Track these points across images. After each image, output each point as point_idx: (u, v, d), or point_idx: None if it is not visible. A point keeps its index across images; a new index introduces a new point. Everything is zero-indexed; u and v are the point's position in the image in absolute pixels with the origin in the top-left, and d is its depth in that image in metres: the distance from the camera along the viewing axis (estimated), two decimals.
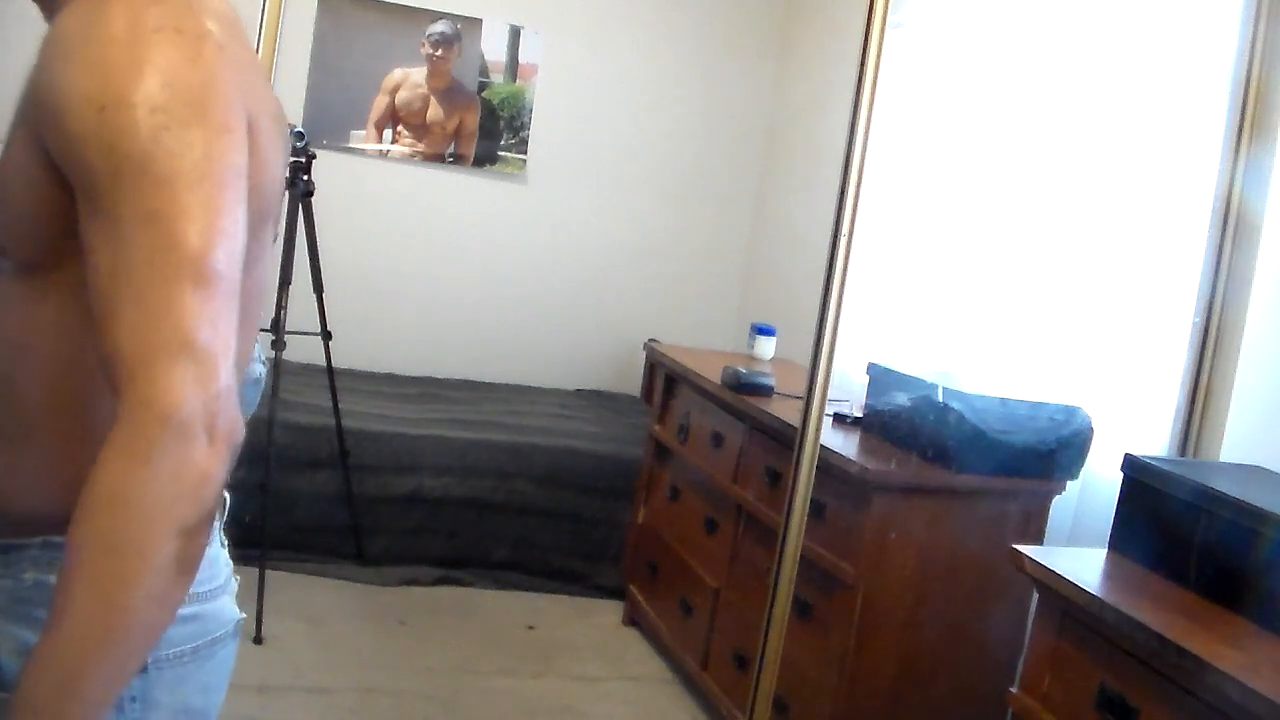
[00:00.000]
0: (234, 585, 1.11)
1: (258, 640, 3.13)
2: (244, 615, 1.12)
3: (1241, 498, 1.83)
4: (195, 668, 1.03)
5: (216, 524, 1.09)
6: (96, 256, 0.86)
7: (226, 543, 1.12)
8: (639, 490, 3.78)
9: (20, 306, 0.95)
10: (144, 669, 0.97)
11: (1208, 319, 2.39)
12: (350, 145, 4.61)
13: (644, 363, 4.76)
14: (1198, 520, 1.87)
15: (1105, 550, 2.06)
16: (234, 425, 0.86)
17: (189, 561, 0.86)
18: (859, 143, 1.79)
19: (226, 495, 1.11)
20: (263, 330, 2.36)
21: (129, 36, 0.87)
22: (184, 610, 0.99)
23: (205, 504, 0.84)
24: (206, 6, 0.94)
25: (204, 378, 0.84)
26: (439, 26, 4.63)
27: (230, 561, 1.11)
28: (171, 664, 1.00)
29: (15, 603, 0.97)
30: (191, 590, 1.00)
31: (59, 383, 0.95)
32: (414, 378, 4.70)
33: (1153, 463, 2.05)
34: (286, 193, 3.40)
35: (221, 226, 0.87)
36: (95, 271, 0.86)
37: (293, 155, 3.46)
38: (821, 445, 1.99)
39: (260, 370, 2.21)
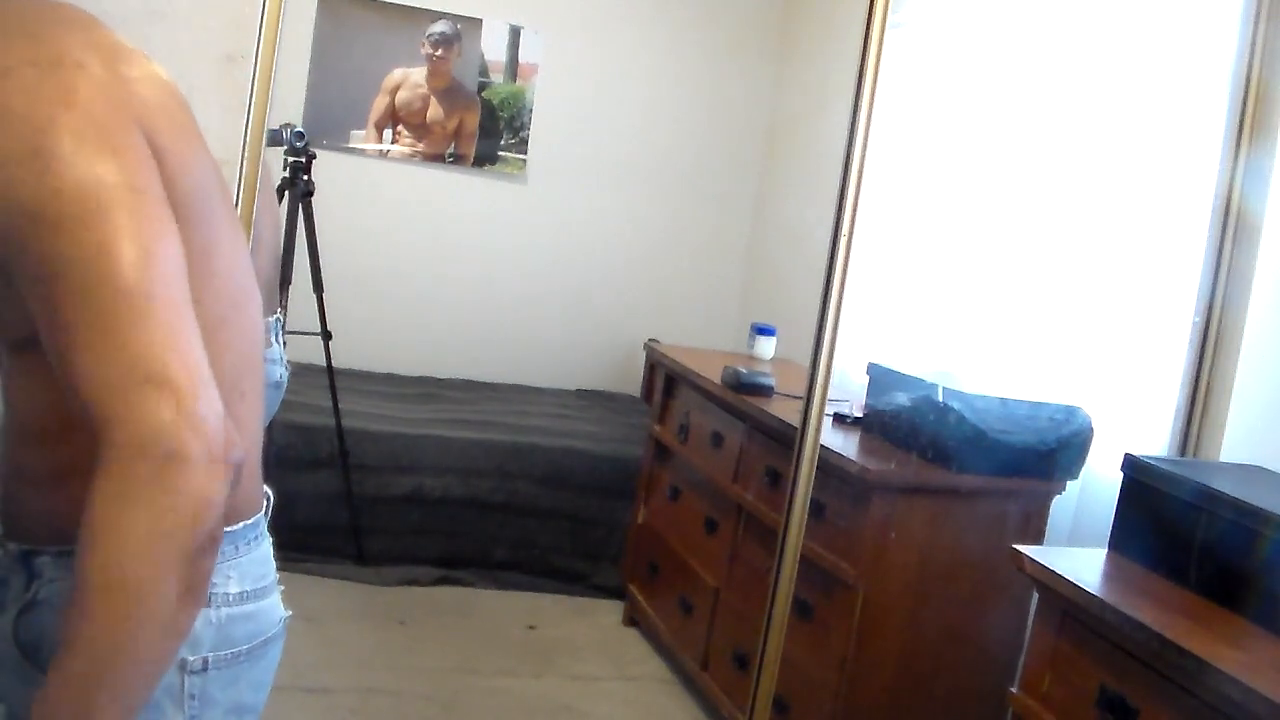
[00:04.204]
0: (278, 582, 1.11)
1: None
2: (290, 613, 1.12)
3: (1241, 498, 1.83)
4: (249, 666, 1.04)
5: (263, 522, 1.09)
6: (40, 319, 0.83)
7: (271, 540, 1.11)
8: (639, 490, 3.78)
9: (35, 374, 0.93)
10: (204, 669, 0.98)
11: (1208, 319, 2.39)
12: (350, 145, 4.61)
13: (644, 363, 4.76)
14: (1198, 520, 1.87)
15: (1105, 550, 2.05)
16: (227, 442, 0.83)
17: (197, 586, 0.84)
18: (859, 143, 1.80)
19: (270, 493, 1.11)
20: None
21: None
22: (243, 609, 1.02)
23: (205, 528, 0.82)
24: (57, 29, 0.88)
25: (178, 400, 0.80)
26: (439, 26, 4.63)
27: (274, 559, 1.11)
28: (229, 663, 1.01)
29: None
30: (248, 588, 1.02)
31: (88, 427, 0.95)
32: (414, 378, 4.70)
33: (1153, 463, 2.04)
34: (287, 193, 3.43)
35: (142, 247, 0.83)
36: (45, 334, 0.83)
37: (293, 155, 3.46)
38: (821, 445, 1.99)
39: (282, 373, 2.20)
